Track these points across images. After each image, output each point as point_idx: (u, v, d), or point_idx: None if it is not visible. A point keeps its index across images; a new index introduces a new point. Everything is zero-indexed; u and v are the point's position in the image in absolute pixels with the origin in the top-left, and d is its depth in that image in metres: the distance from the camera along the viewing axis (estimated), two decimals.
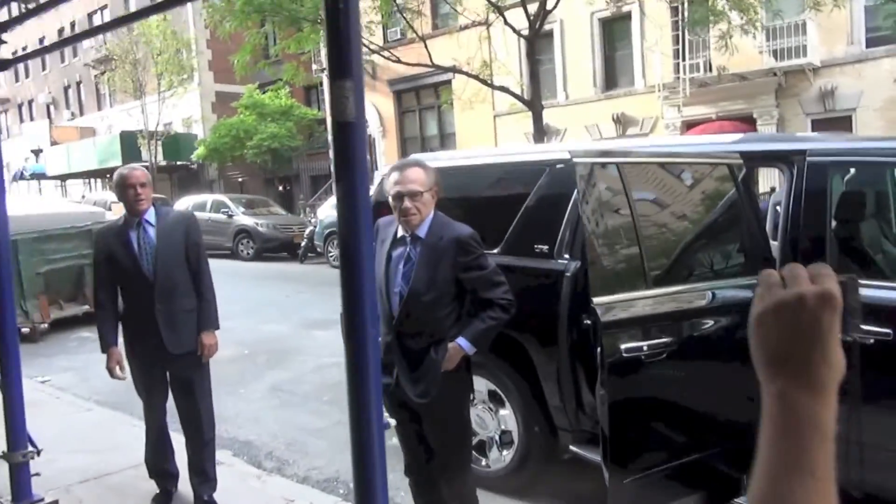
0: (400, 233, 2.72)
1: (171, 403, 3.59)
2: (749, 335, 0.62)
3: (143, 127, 26.60)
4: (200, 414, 3.54)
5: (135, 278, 3.41)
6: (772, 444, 0.58)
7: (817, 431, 0.57)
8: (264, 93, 23.81)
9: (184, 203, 18.93)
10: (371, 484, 1.75)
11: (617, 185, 2.67)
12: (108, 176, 31.18)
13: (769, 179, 12.60)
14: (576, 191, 2.92)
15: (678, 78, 15.51)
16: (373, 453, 1.77)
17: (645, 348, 2.39)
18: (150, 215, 3.47)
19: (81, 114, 35.34)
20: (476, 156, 4.16)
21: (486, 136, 19.00)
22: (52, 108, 36.79)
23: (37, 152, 31.03)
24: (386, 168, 2.71)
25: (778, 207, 4.03)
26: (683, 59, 15.44)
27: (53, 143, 32.32)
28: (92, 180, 33.29)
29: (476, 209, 3.86)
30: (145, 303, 3.40)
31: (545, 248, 3.47)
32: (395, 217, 2.73)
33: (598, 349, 2.36)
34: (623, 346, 2.36)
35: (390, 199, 2.65)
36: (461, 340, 2.64)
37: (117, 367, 3.47)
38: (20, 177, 32.55)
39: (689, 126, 15.67)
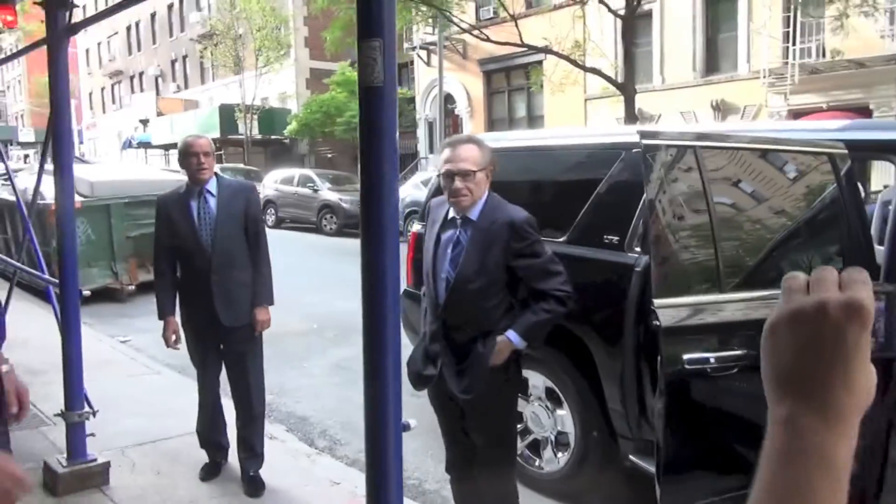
0: (451, 214, 2.58)
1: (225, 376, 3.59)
2: (761, 347, 0.54)
3: (240, 101, 27.48)
4: (250, 388, 3.52)
5: (192, 248, 3.41)
6: (770, 474, 0.50)
7: (826, 468, 0.49)
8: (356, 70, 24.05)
9: (273, 176, 19.42)
10: (385, 474, 1.62)
11: (694, 174, 2.39)
12: None
13: (885, 176, 11.57)
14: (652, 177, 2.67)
15: (787, 63, 14.47)
16: (388, 455, 1.63)
17: (712, 360, 2.13)
18: (212, 185, 3.46)
19: (186, 87, 36.96)
20: (545, 137, 4.00)
21: (577, 119, 18.52)
22: (159, 80, 38.66)
23: (144, 122, 32.73)
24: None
25: (891, 206, 3.58)
26: (794, 43, 14.39)
27: (159, 114, 33.98)
28: None
29: (543, 194, 3.69)
30: (201, 273, 3.39)
31: (615, 239, 3.24)
32: (446, 202, 2.59)
33: (658, 357, 2.12)
34: (686, 357, 2.12)
35: (441, 178, 2.50)
36: (511, 334, 2.48)
37: (173, 337, 3.49)
38: (128, 145, 34.47)
39: (796, 115, 14.62)
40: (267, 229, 3.71)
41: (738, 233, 2.64)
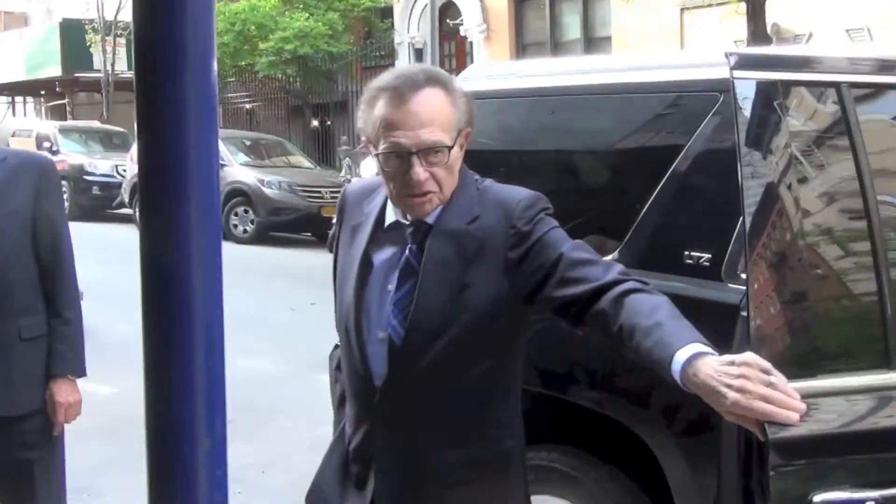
0: (390, 215, 2.47)
1: None
2: None
3: (97, 15, 27.59)
4: None
5: None
6: None
7: None
8: None
9: None
10: None
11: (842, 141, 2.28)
12: (42, 93, 32.77)
13: None
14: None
15: None
16: None
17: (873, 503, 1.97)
18: None
19: None
20: (578, 70, 3.91)
21: (666, 41, 18.54)
22: None
23: None
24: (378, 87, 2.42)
25: None
26: None
27: None
28: (21, 98, 35.01)
29: (574, 176, 3.70)
30: None
31: (704, 258, 3.14)
32: (382, 188, 2.48)
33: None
34: (819, 498, 1.95)
35: (377, 156, 2.35)
36: (696, 346, 2.03)
37: None
38: None
39: None
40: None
41: None
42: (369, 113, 2.35)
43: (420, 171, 2.27)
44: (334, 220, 2.68)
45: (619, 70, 3.80)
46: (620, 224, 3.35)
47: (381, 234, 2.47)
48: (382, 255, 2.45)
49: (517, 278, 2.33)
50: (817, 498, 1.99)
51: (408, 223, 2.41)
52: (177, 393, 1.33)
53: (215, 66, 1.39)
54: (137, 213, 14.18)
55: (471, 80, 3.98)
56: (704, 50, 8.70)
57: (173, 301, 1.33)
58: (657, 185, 3.26)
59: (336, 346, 2.82)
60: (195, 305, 1.34)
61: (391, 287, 2.41)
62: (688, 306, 3.06)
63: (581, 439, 3.36)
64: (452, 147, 2.30)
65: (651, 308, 2.13)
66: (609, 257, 3.29)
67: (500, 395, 2.47)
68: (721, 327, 2.98)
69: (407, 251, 2.41)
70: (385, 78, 2.39)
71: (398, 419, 2.43)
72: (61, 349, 3.41)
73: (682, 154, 3.22)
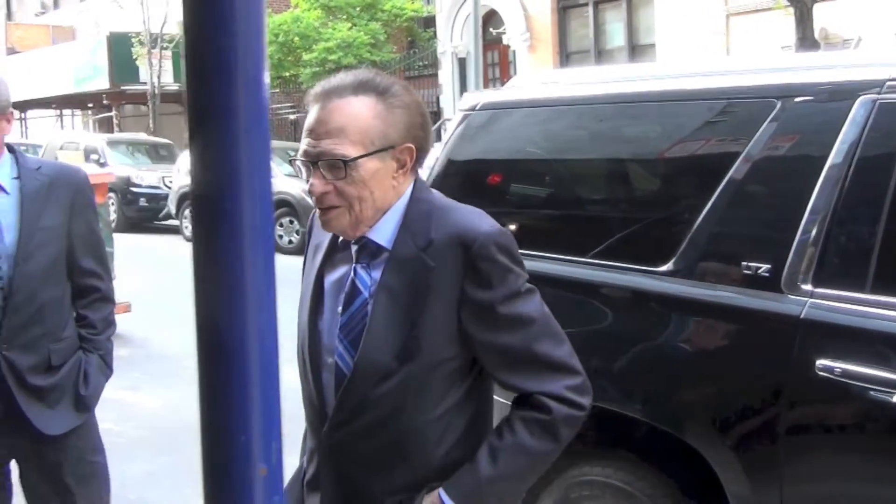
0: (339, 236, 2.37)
1: None
2: None
3: (143, 28, 27.81)
4: None
5: None
6: None
7: None
8: None
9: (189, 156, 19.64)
10: None
11: None
12: (89, 106, 33.10)
13: None
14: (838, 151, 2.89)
15: None
16: None
17: None
18: (3, 171, 3.25)
19: (56, 6, 37.66)
20: (626, 78, 3.90)
21: (712, 47, 18.34)
22: None
23: None
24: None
25: None
26: None
27: (11, 51, 34.64)
28: (69, 111, 35.34)
29: (622, 186, 3.73)
30: None
31: (763, 268, 3.10)
32: None
33: None
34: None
35: (298, 167, 2.23)
36: (443, 494, 2.21)
37: None
38: None
39: None
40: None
41: None
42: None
43: (316, 183, 2.13)
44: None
45: (666, 77, 3.80)
46: (673, 234, 3.34)
47: (333, 255, 2.36)
48: (333, 277, 2.35)
49: (471, 321, 2.20)
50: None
51: (354, 245, 2.27)
52: (232, 419, 1.27)
53: (267, 81, 1.33)
54: (184, 225, 14.27)
55: (518, 88, 3.99)
56: (765, 58, 8.65)
57: (225, 322, 1.27)
58: (712, 195, 3.25)
59: None
60: (248, 326, 1.27)
61: (339, 311, 2.29)
62: (745, 317, 3.19)
63: (637, 454, 3.34)
64: (362, 158, 2.11)
65: (512, 435, 2.21)
66: (663, 266, 3.32)
67: (465, 436, 2.30)
68: (780, 338, 3.07)
69: (352, 272, 2.27)
70: (319, 84, 2.27)
71: (346, 453, 2.30)
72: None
73: (737, 162, 3.23)
